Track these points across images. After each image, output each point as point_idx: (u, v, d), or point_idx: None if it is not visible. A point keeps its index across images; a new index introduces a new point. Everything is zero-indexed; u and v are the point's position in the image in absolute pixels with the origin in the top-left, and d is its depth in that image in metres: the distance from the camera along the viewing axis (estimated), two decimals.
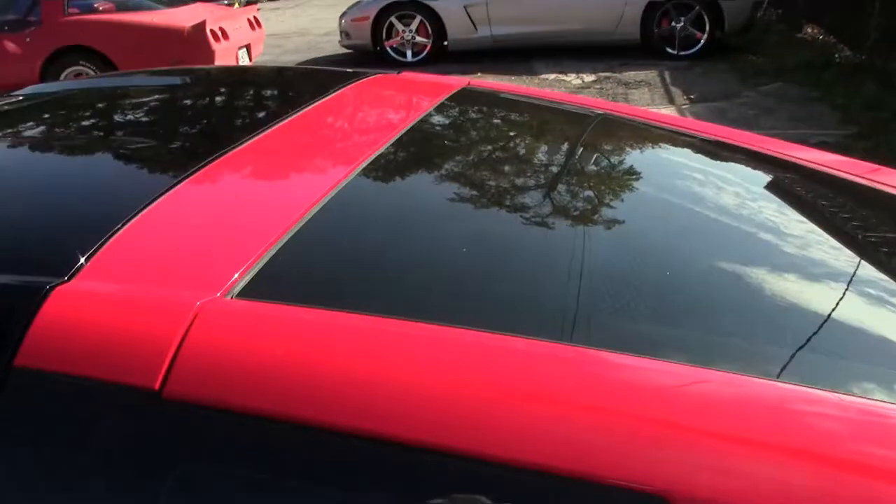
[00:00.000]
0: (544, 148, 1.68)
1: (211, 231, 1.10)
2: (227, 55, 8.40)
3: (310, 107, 1.58)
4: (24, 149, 1.51)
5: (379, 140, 1.40)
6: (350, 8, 10.00)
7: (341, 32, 9.98)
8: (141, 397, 0.83)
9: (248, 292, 0.94)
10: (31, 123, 1.73)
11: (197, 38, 8.08)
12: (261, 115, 1.71)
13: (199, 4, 9.09)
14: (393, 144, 1.41)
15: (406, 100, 1.80)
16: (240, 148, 1.32)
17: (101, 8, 8.69)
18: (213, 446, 0.85)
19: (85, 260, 0.96)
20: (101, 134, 1.60)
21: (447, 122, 1.68)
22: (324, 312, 0.92)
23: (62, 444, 0.87)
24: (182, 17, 8.37)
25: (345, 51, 10.22)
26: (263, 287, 0.96)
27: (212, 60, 8.10)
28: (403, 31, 9.64)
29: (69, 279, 0.93)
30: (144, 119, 1.70)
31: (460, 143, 1.60)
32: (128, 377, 0.84)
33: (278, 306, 0.93)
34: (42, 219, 1.15)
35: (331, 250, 1.13)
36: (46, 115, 1.79)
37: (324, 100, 1.63)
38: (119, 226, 1.03)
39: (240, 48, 8.72)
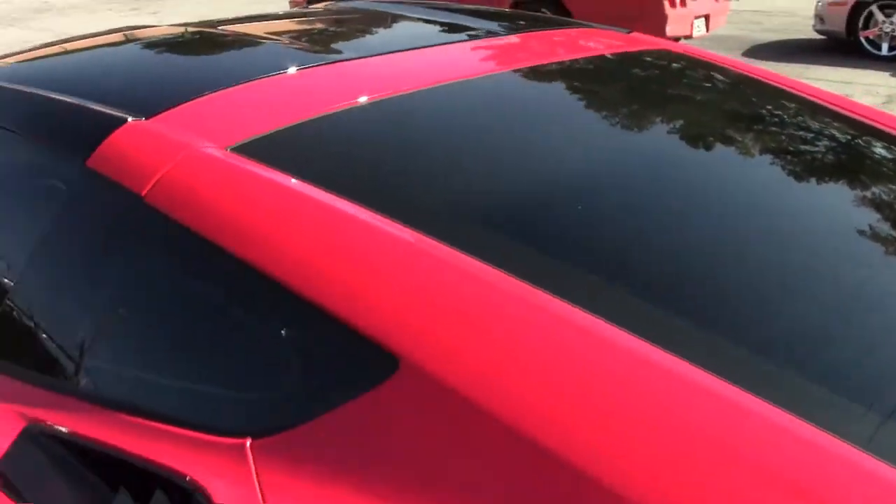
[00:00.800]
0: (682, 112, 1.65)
1: (280, 103, 1.39)
2: (681, 22, 8.49)
3: (490, 39, 1.79)
4: (235, 37, 1.94)
5: (501, 68, 1.58)
6: None
7: (815, 16, 9.41)
8: (132, 198, 1.17)
9: (249, 151, 1.21)
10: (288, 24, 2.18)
11: (653, 1, 8.29)
12: (444, 37, 1.92)
13: None
14: (512, 72, 1.57)
15: (584, 48, 1.87)
16: (382, 56, 1.60)
17: None
18: (173, 255, 1.17)
19: (165, 108, 1.32)
20: (317, 37, 1.99)
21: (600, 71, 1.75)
22: (299, 184, 1.14)
23: (78, 221, 1.25)
24: None
25: (819, 37, 9.65)
26: (267, 150, 1.22)
27: (663, 24, 8.27)
28: (883, 23, 8.80)
29: (146, 118, 1.29)
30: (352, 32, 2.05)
31: (584, 92, 1.67)
32: (129, 181, 1.19)
33: (261, 166, 1.16)
34: (176, 78, 1.55)
35: (358, 140, 1.35)
36: (313, 21, 2.22)
37: (515, 34, 1.83)
38: (214, 91, 1.38)
39: (696, 17, 8.73)
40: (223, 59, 1.74)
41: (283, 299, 1.00)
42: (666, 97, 1.72)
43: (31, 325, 1.29)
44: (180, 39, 1.89)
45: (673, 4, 8.37)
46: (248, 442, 0.94)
